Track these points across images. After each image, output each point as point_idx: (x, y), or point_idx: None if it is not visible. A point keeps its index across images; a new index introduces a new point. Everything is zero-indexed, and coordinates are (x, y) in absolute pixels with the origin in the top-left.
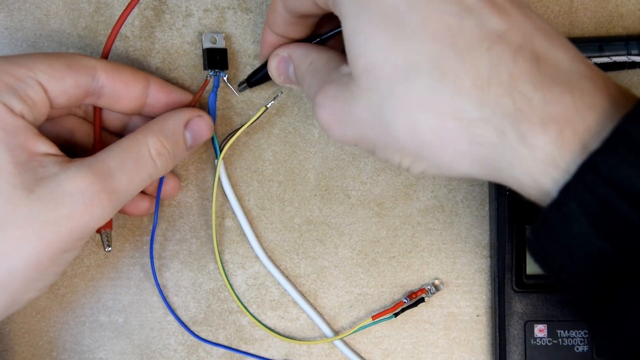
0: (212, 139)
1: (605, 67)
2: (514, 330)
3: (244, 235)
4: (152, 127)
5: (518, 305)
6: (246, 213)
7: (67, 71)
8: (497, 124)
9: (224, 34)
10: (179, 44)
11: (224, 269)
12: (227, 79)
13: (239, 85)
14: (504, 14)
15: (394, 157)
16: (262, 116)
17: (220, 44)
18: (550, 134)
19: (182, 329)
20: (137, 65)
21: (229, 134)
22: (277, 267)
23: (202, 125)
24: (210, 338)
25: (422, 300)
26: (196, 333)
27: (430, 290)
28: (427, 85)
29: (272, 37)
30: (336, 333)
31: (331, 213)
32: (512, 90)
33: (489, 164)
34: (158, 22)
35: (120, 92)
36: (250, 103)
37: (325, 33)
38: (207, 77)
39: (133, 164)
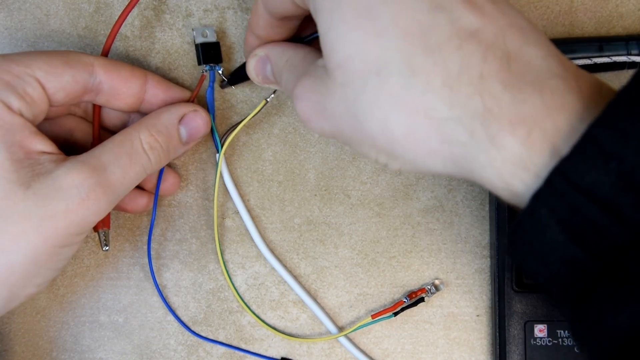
0: (213, 134)
1: (605, 67)
2: (514, 330)
3: (244, 235)
4: (145, 122)
5: (518, 305)
6: (247, 211)
7: (65, 68)
8: (466, 124)
9: (214, 27)
10: (179, 44)
11: (226, 268)
12: (223, 72)
13: (222, 82)
14: (476, 9)
15: (369, 153)
16: (262, 116)
17: (212, 37)
18: (519, 136)
19: (182, 329)
20: (137, 65)
21: (230, 128)
22: (280, 262)
23: (197, 120)
24: (210, 338)
25: (422, 300)
26: (196, 333)
27: (430, 290)
28: (398, 82)
29: (255, 40)
30: (339, 330)
31: (331, 213)
32: (482, 90)
33: (461, 164)
34: (158, 22)
35: (118, 88)
36: (250, 102)
37: (306, 36)
38: (202, 72)
39: (127, 158)
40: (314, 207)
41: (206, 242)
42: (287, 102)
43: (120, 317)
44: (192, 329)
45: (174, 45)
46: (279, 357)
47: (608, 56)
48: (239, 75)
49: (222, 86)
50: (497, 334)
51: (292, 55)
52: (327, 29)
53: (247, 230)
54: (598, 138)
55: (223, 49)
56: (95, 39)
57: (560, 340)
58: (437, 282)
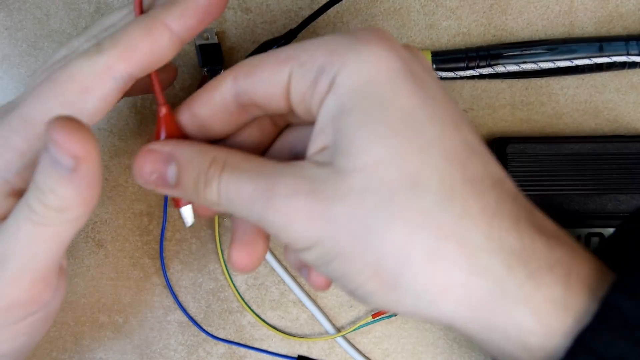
0: None
1: (605, 67)
2: None
3: None
4: None
5: None
6: None
7: None
8: (504, 257)
9: (215, 30)
10: None
11: (226, 268)
12: None
13: None
14: (499, 166)
15: (356, 275)
16: None
17: (213, 39)
18: (559, 275)
19: (182, 329)
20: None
21: None
22: (280, 262)
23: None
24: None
25: None
26: (195, 334)
27: None
28: (434, 201)
29: (190, 119)
30: (337, 331)
31: None
32: (519, 228)
33: (479, 306)
34: None
35: None
36: None
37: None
38: (203, 73)
39: None
40: None
41: (206, 242)
42: None
43: (120, 317)
44: (192, 329)
45: None
46: (296, 356)
47: (608, 56)
48: None
49: None
50: None
51: (224, 155)
52: (358, 126)
53: None
54: (620, 305)
55: (223, 49)
56: None
57: None
58: None
